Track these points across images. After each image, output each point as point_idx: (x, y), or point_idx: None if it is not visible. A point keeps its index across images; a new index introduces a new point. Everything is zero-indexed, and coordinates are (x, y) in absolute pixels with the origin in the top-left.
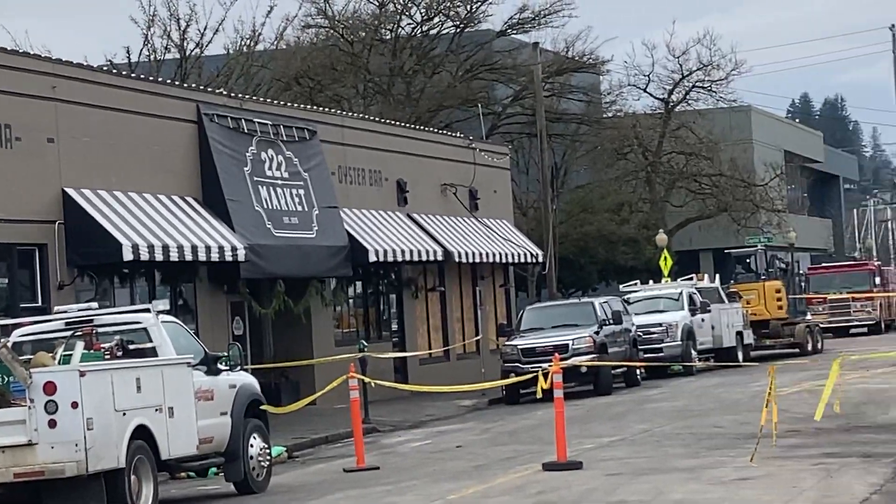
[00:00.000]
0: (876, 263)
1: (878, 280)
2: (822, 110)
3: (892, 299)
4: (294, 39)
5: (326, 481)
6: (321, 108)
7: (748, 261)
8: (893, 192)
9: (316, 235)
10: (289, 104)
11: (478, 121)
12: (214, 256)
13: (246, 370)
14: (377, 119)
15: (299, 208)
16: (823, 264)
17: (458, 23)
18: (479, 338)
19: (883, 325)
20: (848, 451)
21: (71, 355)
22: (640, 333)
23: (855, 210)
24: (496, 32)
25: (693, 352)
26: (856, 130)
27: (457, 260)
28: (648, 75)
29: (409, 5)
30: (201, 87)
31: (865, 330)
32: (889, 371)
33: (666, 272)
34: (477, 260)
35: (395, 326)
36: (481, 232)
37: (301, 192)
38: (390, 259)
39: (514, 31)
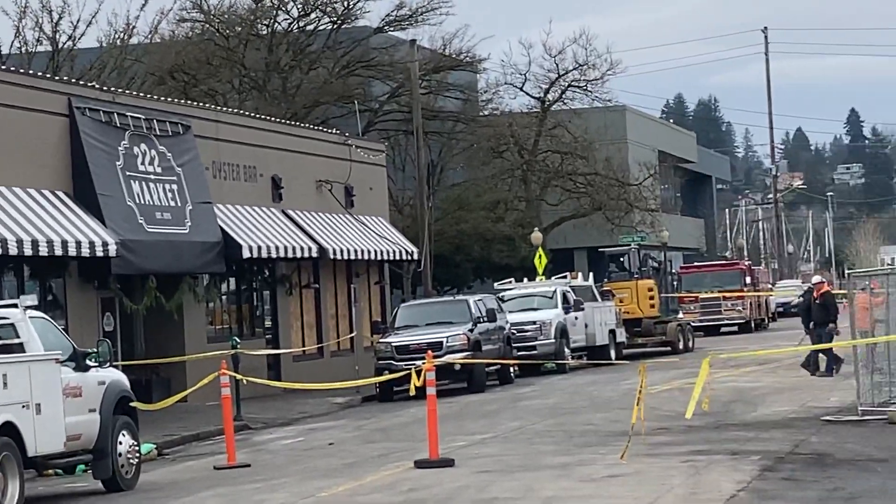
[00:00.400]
0: (747, 263)
1: (748, 279)
2: (696, 111)
3: (762, 298)
4: (169, 33)
5: (196, 479)
6: (196, 103)
7: (622, 259)
8: (764, 193)
9: (189, 231)
10: (163, 98)
11: (354, 117)
12: (85, 252)
13: (116, 367)
14: (252, 114)
15: (172, 203)
16: (695, 263)
17: (335, 19)
18: (353, 335)
19: (753, 324)
20: (716, 449)
21: None
22: (514, 331)
23: (727, 210)
24: (373, 29)
25: (566, 350)
26: (729, 131)
27: (331, 257)
28: (525, 74)
29: (286, 0)
30: (73, 80)
31: (736, 329)
32: (758, 369)
33: (540, 270)
34: (352, 257)
35: (268, 323)
36: (356, 229)
37: (174, 187)
38: (264, 255)
39: (392, 28)
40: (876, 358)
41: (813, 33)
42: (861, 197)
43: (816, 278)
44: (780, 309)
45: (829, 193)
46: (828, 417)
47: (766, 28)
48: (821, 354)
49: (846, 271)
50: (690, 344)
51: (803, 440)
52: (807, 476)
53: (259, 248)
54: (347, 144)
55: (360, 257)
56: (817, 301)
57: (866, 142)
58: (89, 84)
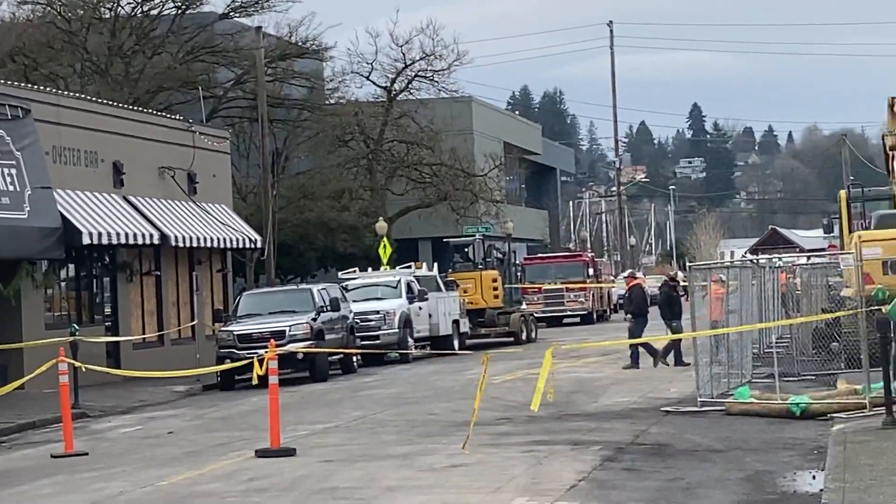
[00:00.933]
0: (590, 255)
1: (591, 271)
2: (542, 103)
3: (604, 290)
4: (9, 15)
5: (33, 467)
6: (36, 87)
7: (466, 250)
8: (608, 186)
9: (28, 216)
10: (2, 81)
11: (198, 104)
12: None
13: None
14: (94, 99)
15: (11, 188)
16: (539, 255)
17: (179, 4)
18: (194, 323)
19: (595, 315)
20: (558, 439)
21: None
22: (358, 321)
23: (571, 202)
24: (218, 15)
25: (410, 339)
26: (573, 124)
27: (173, 244)
28: (372, 63)
29: None
30: None
31: (578, 320)
32: (599, 360)
33: (385, 260)
34: (194, 244)
35: (108, 310)
36: (199, 216)
37: (13, 171)
38: (105, 242)
39: (237, 14)
40: (720, 349)
41: (658, 28)
42: (702, 191)
43: (627, 272)
44: (622, 300)
45: (671, 187)
46: (668, 408)
47: (611, 22)
48: (641, 348)
49: (687, 264)
50: (533, 334)
51: (643, 431)
52: (646, 466)
53: (99, 234)
54: (191, 131)
55: (202, 245)
56: (626, 294)
57: (708, 136)
58: None
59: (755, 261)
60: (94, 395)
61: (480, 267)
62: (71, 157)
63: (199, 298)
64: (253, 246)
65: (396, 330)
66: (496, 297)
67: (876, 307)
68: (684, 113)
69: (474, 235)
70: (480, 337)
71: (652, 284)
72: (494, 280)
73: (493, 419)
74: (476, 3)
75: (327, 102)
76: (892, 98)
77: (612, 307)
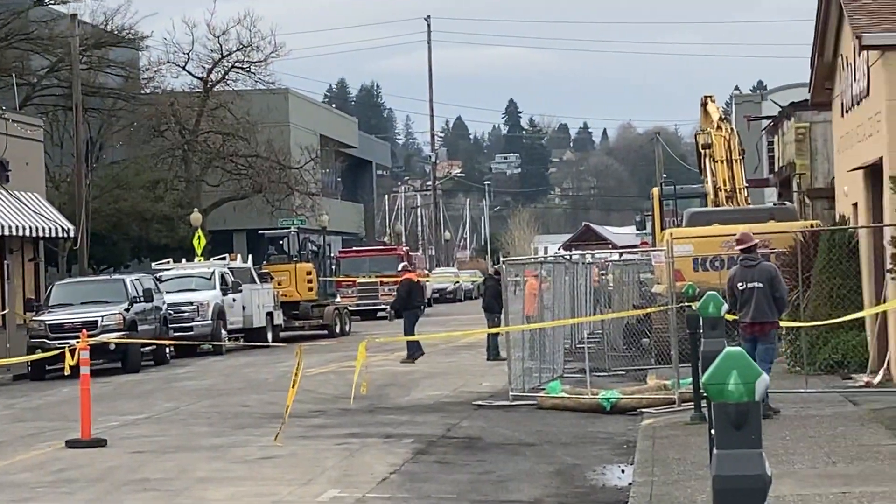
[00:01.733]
0: (404, 249)
1: (405, 265)
2: (359, 97)
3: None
4: None
5: None
6: None
7: (281, 242)
8: (424, 180)
9: None
10: None
11: (11, 91)
12: None
13: None
14: None
15: None
16: (354, 248)
17: None
18: (5, 312)
19: None
20: (370, 432)
21: None
22: (171, 312)
23: (387, 196)
24: (33, 2)
25: (223, 331)
26: (390, 118)
27: None
28: (188, 53)
29: None
30: None
31: (392, 313)
32: None
33: (199, 251)
34: (5, 233)
35: None
36: (11, 204)
37: None
38: None
39: (52, 2)
40: (533, 344)
41: (477, 24)
42: (518, 186)
43: (401, 265)
44: (437, 295)
45: (486, 182)
46: (480, 402)
47: (429, 16)
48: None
49: (500, 259)
50: (348, 327)
51: (455, 424)
52: (458, 459)
53: None
54: (3, 118)
55: (13, 233)
56: (398, 288)
57: (524, 132)
58: None
59: (568, 256)
60: None
61: (295, 259)
62: None
63: (11, 287)
64: (66, 235)
65: (210, 321)
66: (310, 289)
67: (686, 304)
68: (501, 109)
69: (289, 228)
70: (295, 329)
71: (466, 279)
72: (309, 273)
73: (306, 411)
74: None
75: (143, 92)
76: (705, 97)
77: (426, 301)
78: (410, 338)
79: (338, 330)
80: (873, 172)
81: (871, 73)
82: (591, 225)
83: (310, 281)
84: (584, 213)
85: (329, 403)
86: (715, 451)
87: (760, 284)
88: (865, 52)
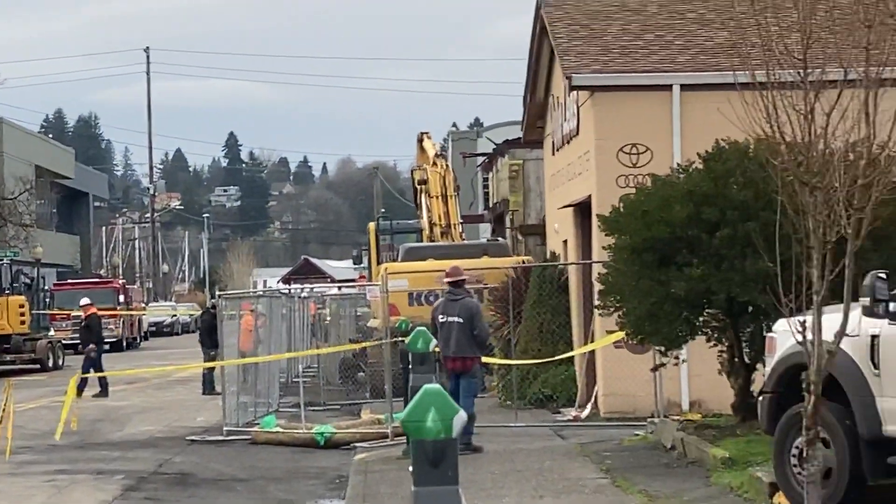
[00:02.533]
0: (121, 281)
1: (122, 298)
2: (76, 127)
3: (135, 317)
4: None
5: None
6: None
7: None
8: (142, 212)
9: None
10: None
11: None
12: None
13: None
14: None
15: None
16: (69, 280)
17: None
18: None
19: (125, 343)
20: (80, 468)
21: None
22: None
23: (104, 228)
24: None
25: None
26: (108, 149)
27: None
28: None
29: None
30: None
31: (108, 347)
32: (126, 388)
33: None
34: None
35: None
36: None
37: None
38: None
39: None
40: (247, 378)
41: (198, 56)
42: (237, 219)
43: (84, 300)
44: (153, 328)
45: (205, 215)
46: (193, 437)
47: (148, 48)
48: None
49: (217, 293)
50: (61, 362)
51: (168, 460)
52: (169, 496)
53: None
54: None
55: None
56: (83, 323)
57: (244, 165)
58: None
59: (286, 290)
60: None
61: (7, 292)
62: None
63: None
64: None
65: None
66: (23, 322)
67: (400, 338)
68: (221, 141)
69: (1, 260)
70: (6, 364)
71: (183, 312)
72: (21, 306)
73: (15, 448)
74: (14, 24)
75: None
76: (422, 133)
77: (142, 334)
78: (101, 374)
79: (51, 364)
80: (582, 210)
81: (580, 113)
82: (311, 259)
83: (22, 314)
84: (303, 246)
85: (38, 439)
86: (413, 488)
87: (461, 320)
88: (576, 92)
